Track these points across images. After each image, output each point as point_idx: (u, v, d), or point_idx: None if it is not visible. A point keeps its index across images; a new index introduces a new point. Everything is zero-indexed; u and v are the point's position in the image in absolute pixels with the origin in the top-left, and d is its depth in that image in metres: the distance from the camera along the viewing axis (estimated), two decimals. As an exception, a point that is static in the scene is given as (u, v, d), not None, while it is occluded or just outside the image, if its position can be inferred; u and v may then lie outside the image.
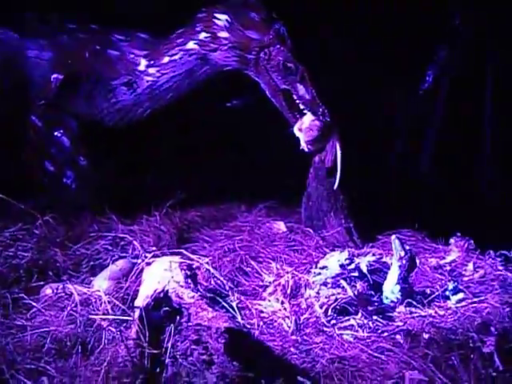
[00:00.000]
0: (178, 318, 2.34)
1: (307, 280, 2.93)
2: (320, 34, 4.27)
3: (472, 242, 3.34)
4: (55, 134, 3.59)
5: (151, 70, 3.53)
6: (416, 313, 2.78)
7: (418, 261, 2.99)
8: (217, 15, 3.41)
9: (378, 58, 4.38)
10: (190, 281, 2.61)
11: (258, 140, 4.28)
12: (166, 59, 3.51)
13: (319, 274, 2.93)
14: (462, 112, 4.50)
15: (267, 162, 4.20)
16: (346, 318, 2.72)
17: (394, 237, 2.95)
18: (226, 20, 3.39)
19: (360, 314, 2.73)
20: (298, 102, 3.42)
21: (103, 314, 2.50)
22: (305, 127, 3.42)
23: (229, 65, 3.46)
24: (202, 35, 3.43)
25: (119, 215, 3.54)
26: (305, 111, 3.42)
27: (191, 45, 3.46)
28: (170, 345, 2.24)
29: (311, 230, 3.57)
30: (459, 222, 3.72)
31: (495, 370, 2.39)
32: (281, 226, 3.62)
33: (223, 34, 3.40)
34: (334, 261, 2.96)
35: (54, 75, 3.54)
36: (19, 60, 3.57)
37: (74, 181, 3.63)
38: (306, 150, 3.45)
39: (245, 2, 3.42)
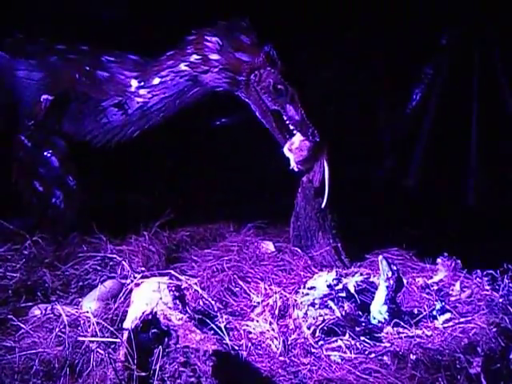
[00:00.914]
0: (166, 340, 2.33)
1: (295, 300, 2.93)
2: (311, 51, 4.33)
3: (459, 261, 3.35)
4: (44, 154, 3.59)
5: (142, 92, 3.55)
6: (403, 333, 2.77)
7: (405, 281, 3.00)
8: (207, 37, 3.44)
9: (366, 74, 4.44)
10: (178, 302, 2.62)
11: (246, 159, 4.29)
12: (157, 80, 3.52)
13: (307, 294, 2.94)
14: (449, 126, 4.53)
15: (256, 181, 4.21)
16: (334, 338, 2.72)
17: (381, 257, 2.96)
18: (217, 42, 3.42)
19: (347, 335, 2.73)
20: (287, 122, 3.45)
21: (92, 336, 2.49)
22: (295, 148, 3.45)
23: (219, 86, 3.49)
24: (193, 57, 3.46)
25: (108, 235, 3.53)
26: (294, 132, 3.45)
27: (182, 67, 3.48)
28: (158, 367, 2.24)
29: (299, 250, 3.57)
30: (446, 241, 3.73)
31: (482, 391, 2.38)
32: (269, 246, 3.63)
33: (214, 56, 3.43)
34: (321, 281, 2.97)
35: (44, 96, 3.55)
36: (9, 80, 3.59)
37: (62, 201, 3.62)
38: (296, 169, 3.49)
39: (235, 25, 3.45)
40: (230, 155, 4.35)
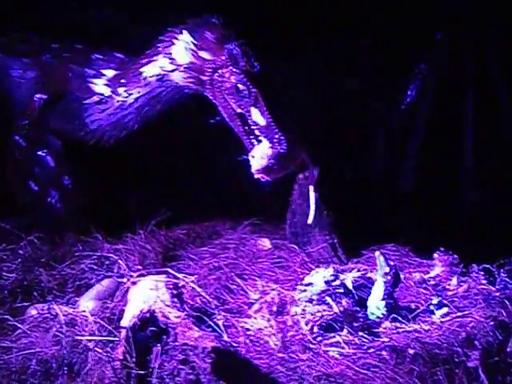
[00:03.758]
0: (164, 337, 2.34)
1: (293, 297, 2.94)
2: (303, 47, 4.29)
3: (456, 256, 3.35)
4: (39, 153, 3.59)
5: (120, 90, 3.52)
6: (401, 328, 2.78)
7: (402, 276, 3.02)
8: (176, 35, 3.35)
9: (359, 72, 4.42)
10: (176, 300, 2.63)
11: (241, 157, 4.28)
12: (132, 79, 3.48)
13: (304, 290, 2.94)
14: (444, 125, 4.52)
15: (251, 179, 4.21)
16: (332, 334, 2.72)
17: (378, 253, 2.97)
18: (183, 40, 3.32)
19: (346, 331, 2.74)
20: (253, 127, 3.26)
21: (89, 335, 2.49)
22: (257, 154, 3.23)
23: (187, 86, 3.39)
24: (161, 56, 3.39)
25: (104, 234, 3.51)
26: (260, 138, 3.25)
27: (152, 65, 3.42)
28: (156, 365, 2.25)
29: (296, 247, 3.57)
30: (443, 236, 3.72)
31: (480, 385, 2.39)
32: (266, 243, 3.62)
33: (178, 55, 3.34)
34: (319, 277, 2.97)
35: (38, 95, 3.55)
36: (2, 79, 3.59)
37: (58, 200, 3.62)
38: (258, 177, 3.26)
39: (203, 22, 3.33)
40: (223, 152, 4.31)
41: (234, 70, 3.23)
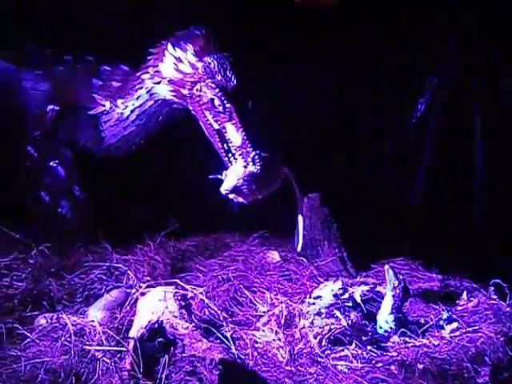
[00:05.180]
0: (172, 348, 2.35)
1: (301, 310, 2.92)
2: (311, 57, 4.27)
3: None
4: (50, 164, 3.59)
5: (118, 102, 3.51)
6: (410, 343, 2.76)
7: (411, 290, 3.00)
8: (164, 47, 3.30)
9: (369, 84, 4.39)
10: (184, 311, 2.62)
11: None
12: (128, 92, 3.48)
13: (313, 303, 2.93)
14: (455, 138, 4.51)
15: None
16: (340, 348, 2.70)
17: (387, 266, 2.96)
18: (167, 53, 3.26)
19: (354, 345, 2.71)
20: (230, 144, 3.10)
21: (97, 345, 2.49)
22: (230, 174, 3.03)
23: (171, 99, 3.34)
24: (150, 69, 3.36)
25: (113, 245, 3.52)
26: (236, 156, 3.07)
27: (143, 78, 3.40)
28: (164, 376, 2.25)
29: (305, 260, 3.56)
30: (453, 250, 3.74)
31: (490, 401, 2.37)
32: (275, 256, 3.61)
33: (163, 68, 3.29)
34: (327, 291, 2.96)
35: (50, 106, 3.57)
36: (15, 91, 3.59)
37: (68, 211, 3.62)
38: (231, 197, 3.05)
39: (186, 34, 3.27)
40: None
41: (210, 84, 3.14)
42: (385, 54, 4.35)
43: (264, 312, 2.99)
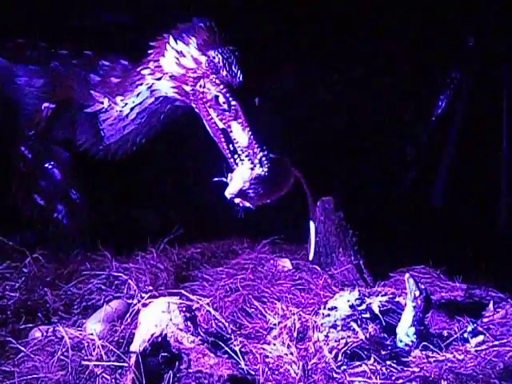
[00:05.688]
0: (177, 364, 2.34)
1: (315, 322, 2.83)
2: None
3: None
4: (46, 165, 3.54)
5: (117, 100, 3.44)
6: (433, 357, 2.68)
7: (433, 301, 2.94)
8: (165, 41, 3.20)
9: (389, 85, 4.36)
10: (189, 324, 2.55)
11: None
12: (128, 88, 3.41)
13: (328, 315, 2.83)
14: (478, 137, 4.47)
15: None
16: (358, 363, 2.61)
17: (407, 275, 2.86)
18: (169, 46, 3.16)
19: (372, 359, 2.62)
20: (236, 145, 3.00)
21: (96, 360, 2.45)
22: (236, 176, 2.92)
23: (173, 96, 3.24)
24: (151, 64, 3.28)
25: (113, 252, 3.48)
26: (243, 157, 2.97)
27: (143, 73, 3.31)
28: (168, 394, 2.20)
29: (318, 268, 3.50)
30: (477, 256, 3.67)
31: (518, 419, 2.31)
32: (286, 264, 3.55)
33: (165, 63, 3.19)
34: (343, 301, 2.86)
35: (45, 104, 3.51)
36: (8, 87, 3.54)
37: (65, 215, 3.57)
38: (237, 202, 2.94)
39: (190, 26, 3.15)
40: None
41: (215, 79, 3.01)
42: (404, 51, 4.35)
43: (275, 324, 2.91)
